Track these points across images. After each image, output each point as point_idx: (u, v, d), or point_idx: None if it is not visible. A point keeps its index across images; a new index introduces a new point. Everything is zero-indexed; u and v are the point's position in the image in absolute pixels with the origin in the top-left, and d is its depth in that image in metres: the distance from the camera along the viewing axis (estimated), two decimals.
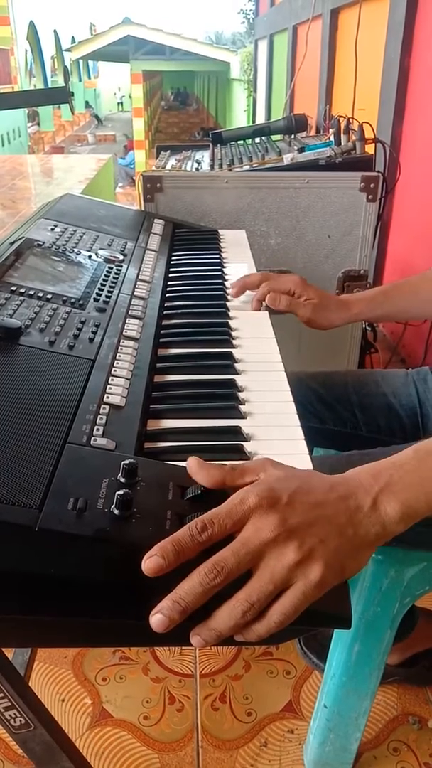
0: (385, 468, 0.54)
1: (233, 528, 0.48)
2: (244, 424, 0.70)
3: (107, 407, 0.66)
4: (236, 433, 0.68)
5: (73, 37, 20.40)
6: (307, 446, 0.68)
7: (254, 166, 1.70)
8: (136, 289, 1.00)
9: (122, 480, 0.53)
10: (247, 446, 0.66)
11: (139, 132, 13.13)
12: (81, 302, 0.89)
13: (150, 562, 0.46)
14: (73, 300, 0.89)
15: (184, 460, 0.61)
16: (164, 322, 0.95)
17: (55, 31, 20.15)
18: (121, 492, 0.50)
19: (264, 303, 1.03)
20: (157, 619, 0.46)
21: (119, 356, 0.77)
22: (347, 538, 0.50)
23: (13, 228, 1.19)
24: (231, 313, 1.00)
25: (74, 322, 0.82)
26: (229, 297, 1.06)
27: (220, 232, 1.42)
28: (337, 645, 0.96)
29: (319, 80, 3.97)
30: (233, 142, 2.08)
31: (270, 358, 0.87)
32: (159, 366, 0.82)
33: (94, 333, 0.80)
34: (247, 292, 1.06)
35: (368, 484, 0.53)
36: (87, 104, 26.28)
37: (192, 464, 0.54)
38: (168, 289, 1.07)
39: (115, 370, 0.74)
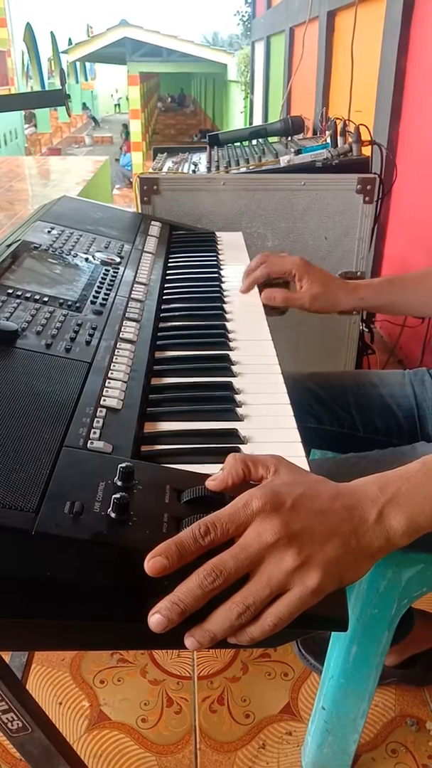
0: (392, 480, 0.54)
1: (236, 532, 0.48)
2: (241, 427, 0.70)
3: (104, 410, 0.66)
4: (233, 435, 0.68)
5: (69, 39, 20.38)
6: (304, 448, 0.68)
7: (251, 168, 1.70)
8: (133, 292, 1.00)
9: (119, 483, 0.53)
10: (244, 449, 0.66)
11: (136, 134, 13.13)
12: (78, 305, 0.89)
13: (154, 563, 0.46)
14: (69, 303, 0.89)
15: (181, 462, 0.62)
16: (161, 325, 0.95)
17: (52, 32, 20.15)
18: (117, 495, 0.50)
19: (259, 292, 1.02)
20: (155, 619, 0.46)
21: (116, 359, 0.77)
22: (350, 549, 0.50)
23: (10, 230, 1.19)
24: (228, 316, 1.00)
25: (71, 324, 0.82)
26: (226, 299, 1.06)
27: (217, 234, 1.42)
28: (334, 647, 0.96)
29: (316, 82, 3.98)
30: (230, 144, 2.08)
31: (267, 360, 0.87)
32: (156, 369, 0.82)
33: (91, 336, 0.80)
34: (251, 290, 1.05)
35: (375, 495, 0.53)
36: (84, 106, 26.28)
37: (210, 484, 0.54)
38: (165, 291, 1.07)
39: (111, 373, 0.74)
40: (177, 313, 0.99)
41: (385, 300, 1.08)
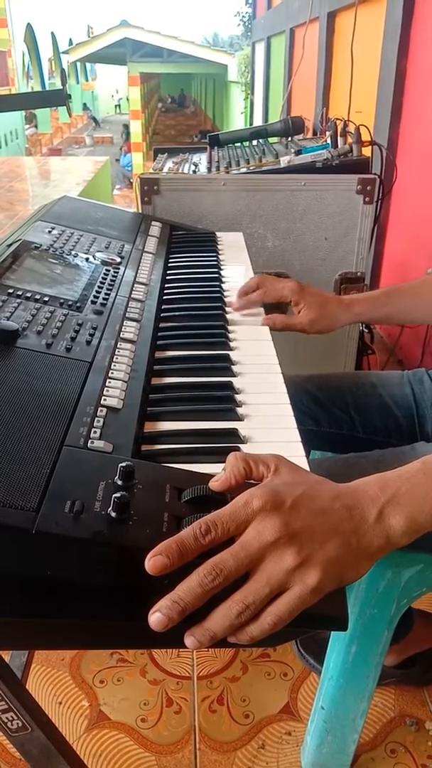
0: (392, 480, 0.54)
1: (236, 531, 0.49)
2: (241, 427, 0.70)
3: (104, 410, 0.66)
4: (233, 435, 0.69)
5: (70, 40, 20.40)
6: (304, 448, 0.68)
7: (251, 168, 1.70)
8: (133, 292, 1.00)
9: (119, 482, 0.53)
10: (244, 449, 0.66)
11: (137, 134, 13.13)
12: (78, 305, 0.89)
13: (155, 561, 0.46)
14: (70, 302, 0.89)
15: (182, 462, 0.62)
16: (161, 325, 0.95)
17: (52, 33, 20.15)
18: (118, 494, 0.50)
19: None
20: (156, 618, 0.46)
21: (116, 358, 0.77)
22: (350, 548, 0.50)
23: (11, 230, 1.19)
24: (228, 316, 1.00)
25: (71, 324, 0.82)
26: (226, 299, 1.06)
27: (218, 234, 1.42)
28: (334, 647, 0.96)
29: (316, 83, 3.98)
30: (230, 145, 2.08)
31: (267, 360, 0.87)
32: (156, 368, 0.82)
33: (92, 335, 0.81)
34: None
35: (375, 495, 0.53)
36: (84, 106, 26.28)
37: (214, 485, 0.54)
38: (165, 291, 1.07)
39: (112, 373, 0.74)
40: (177, 313, 0.99)
41: (383, 313, 1.09)
